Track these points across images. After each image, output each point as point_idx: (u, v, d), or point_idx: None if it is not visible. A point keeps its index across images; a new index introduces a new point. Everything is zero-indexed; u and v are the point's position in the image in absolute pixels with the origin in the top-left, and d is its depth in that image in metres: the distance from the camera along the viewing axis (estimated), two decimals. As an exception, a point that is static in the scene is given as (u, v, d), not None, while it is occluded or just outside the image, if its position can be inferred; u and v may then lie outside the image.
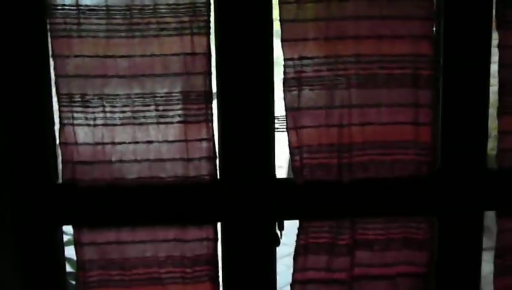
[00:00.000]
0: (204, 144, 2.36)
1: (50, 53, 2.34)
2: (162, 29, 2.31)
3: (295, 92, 2.34)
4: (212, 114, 2.36)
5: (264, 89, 2.34)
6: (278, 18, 2.34)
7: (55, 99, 2.38)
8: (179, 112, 2.35)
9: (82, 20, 2.29)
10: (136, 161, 2.36)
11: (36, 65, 2.31)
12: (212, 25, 2.33)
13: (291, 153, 2.36)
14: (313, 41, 2.34)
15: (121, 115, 2.34)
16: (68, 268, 2.78)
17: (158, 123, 2.35)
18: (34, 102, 2.32)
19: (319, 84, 2.34)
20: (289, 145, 2.35)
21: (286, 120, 2.35)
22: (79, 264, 2.47)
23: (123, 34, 2.29)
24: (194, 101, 2.34)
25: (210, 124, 2.36)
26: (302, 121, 2.35)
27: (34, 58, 2.31)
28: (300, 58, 2.33)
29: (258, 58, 2.31)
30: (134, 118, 2.34)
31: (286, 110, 2.35)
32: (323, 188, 2.36)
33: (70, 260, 2.64)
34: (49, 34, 2.32)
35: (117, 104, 2.33)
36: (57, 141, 2.38)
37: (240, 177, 2.34)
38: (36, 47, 2.31)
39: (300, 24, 2.32)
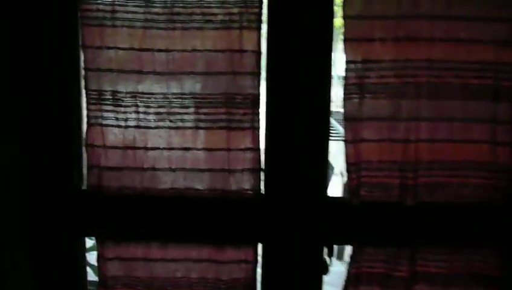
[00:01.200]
0: (249, 154, 2.06)
1: (80, 43, 2.05)
2: (207, 22, 2.01)
3: (356, 100, 2.02)
4: (259, 121, 2.06)
5: (320, 95, 2.04)
6: (341, 14, 2.01)
7: (83, 95, 2.09)
8: (222, 117, 2.06)
9: (117, 8, 2.02)
10: (170, 169, 2.08)
11: (64, 56, 2.06)
12: (264, 18, 2.05)
13: (347, 169, 2.05)
14: (380, 42, 2.02)
15: (156, 117, 2.07)
16: (92, 276, 2.53)
17: (197, 128, 2.06)
18: (60, 97, 2.08)
19: (384, 92, 2.03)
20: (346, 160, 2.03)
21: (344, 131, 2.03)
22: (101, 280, 2.21)
23: (162, 25, 2.01)
24: (240, 105, 2.04)
25: (256, 131, 2.06)
26: (362, 133, 2.04)
27: (63, 49, 2.06)
28: (364, 61, 2.02)
29: (315, 59, 2.01)
30: (171, 120, 2.06)
31: (345, 120, 2.04)
32: (382, 210, 2.07)
33: (94, 267, 2.36)
34: (80, 22, 2.04)
35: (152, 104, 2.05)
36: (83, 143, 2.09)
37: (287, 193, 2.07)
38: (65, 36, 2.06)
39: (366, 22, 2.01)
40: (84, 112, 2.11)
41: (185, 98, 2.07)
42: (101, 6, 2.03)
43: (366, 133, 2.08)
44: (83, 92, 2.11)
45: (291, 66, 2.04)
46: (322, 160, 2.10)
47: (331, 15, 2.03)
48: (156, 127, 2.09)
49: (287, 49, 2.04)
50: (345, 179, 2.08)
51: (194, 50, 2.04)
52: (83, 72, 2.09)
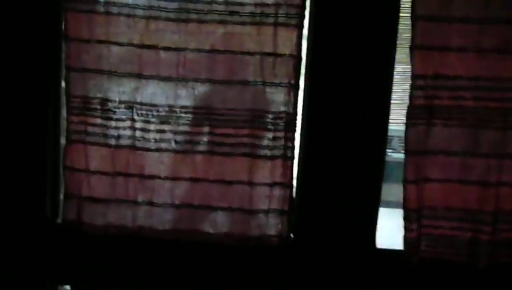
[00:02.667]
0: (278, 191, 1.57)
1: (62, 34, 1.54)
2: (232, 14, 1.51)
3: (422, 127, 1.51)
4: (293, 148, 1.54)
5: (376, 118, 1.53)
6: (409, 13, 1.51)
7: (64, 102, 1.58)
8: (244, 140, 1.59)
9: (113, -11, 1.51)
10: (173, 205, 1.59)
11: (40, 50, 1.57)
12: (306, 14, 1.57)
13: (405, 217, 1.54)
14: (457, 52, 1.50)
15: (158, 136, 1.58)
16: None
17: (211, 153, 1.57)
18: (32, 102, 1.58)
19: (458, 118, 1.53)
20: (404, 204, 1.53)
21: (405, 167, 1.52)
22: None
23: (172, 15, 1.51)
24: (269, 126, 1.56)
25: (289, 162, 1.56)
26: (427, 170, 1.54)
27: (37, 40, 1.55)
28: (436, 76, 1.50)
29: (371, 70, 1.53)
30: (177, 142, 1.56)
31: (406, 152, 1.53)
32: (446, 272, 1.62)
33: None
34: (62, 5, 1.53)
35: (153, 119, 1.57)
36: (61, 164, 1.58)
37: (324, 242, 1.62)
38: (42, 23, 1.54)
39: (442, 25, 1.49)
40: (64, 124, 1.59)
41: (198, 114, 1.57)
42: (91, -14, 1.52)
43: (432, 170, 1.58)
44: (63, 97, 1.58)
45: (339, 78, 1.55)
46: (373, 202, 1.60)
47: (396, 14, 1.52)
48: (157, 150, 1.59)
49: (334, 56, 1.54)
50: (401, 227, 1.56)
51: (212, 50, 1.54)
52: (64, 71, 1.56)
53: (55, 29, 1.58)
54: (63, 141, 1.64)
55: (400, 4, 1.55)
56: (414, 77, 1.54)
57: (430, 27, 1.54)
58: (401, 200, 1.59)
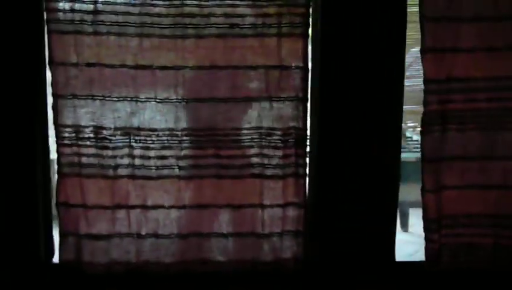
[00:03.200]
0: (291, 212, 1.48)
1: (46, 59, 1.40)
2: (232, 26, 1.40)
3: (437, 134, 1.44)
4: (305, 165, 1.44)
5: (389, 128, 1.44)
6: (418, 14, 1.44)
7: (52, 133, 1.44)
8: (253, 160, 1.48)
9: (100, 7, 1.37)
10: (179, 235, 1.46)
11: (22, 77, 1.39)
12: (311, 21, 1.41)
13: (426, 227, 1.48)
14: (469, 53, 1.43)
15: (159, 163, 1.46)
16: None
17: (218, 177, 1.45)
18: (16, 134, 1.41)
19: (473, 122, 1.45)
20: (424, 214, 1.46)
21: (423, 177, 1.45)
22: None
23: (167, 31, 1.39)
24: (278, 143, 1.47)
25: (301, 180, 1.46)
26: (445, 178, 1.46)
27: (19, 66, 1.38)
28: (449, 79, 1.43)
29: (383, 76, 1.45)
30: (180, 167, 1.43)
31: (423, 161, 1.46)
32: (471, 280, 1.56)
33: None
34: (46, 28, 1.39)
35: (153, 145, 1.44)
36: (53, 201, 1.44)
37: (341, 260, 1.54)
38: (24, 48, 1.38)
39: (452, 25, 1.42)
40: (54, 157, 1.44)
41: (201, 136, 1.46)
42: (76, 5, 1.38)
43: (450, 177, 1.51)
44: (52, 128, 1.44)
45: (350, 87, 1.46)
46: (390, 216, 1.51)
47: (403, 15, 1.44)
48: (159, 177, 1.47)
49: (344, 63, 1.44)
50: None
51: (213, 67, 1.43)
52: (50, 99, 1.43)
53: (39, 54, 1.42)
54: (54, 176, 1.49)
55: (406, 5, 1.46)
56: (427, 81, 1.47)
57: (439, 28, 1.46)
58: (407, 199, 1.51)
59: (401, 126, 1.51)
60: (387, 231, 1.55)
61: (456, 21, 1.47)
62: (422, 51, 1.47)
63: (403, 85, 1.49)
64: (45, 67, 1.45)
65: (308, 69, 1.45)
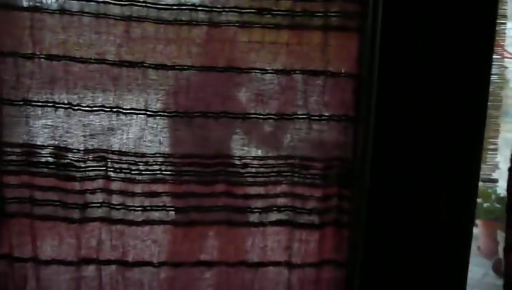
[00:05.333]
0: (329, 273, 1.06)
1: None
2: (260, 12, 0.97)
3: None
4: (351, 210, 1.03)
5: (465, 161, 1.03)
6: None
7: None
8: (280, 202, 1.05)
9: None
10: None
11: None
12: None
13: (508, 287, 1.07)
14: None
15: (148, 202, 1.06)
16: None
17: (229, 224, 1.03)
18: None
19: None
20: (506, 270, 1.06)
21: (507, 230, 1.04)
22: None
23: (166, 14, 0.97)
24: (316, 180, 1.05)
25: (344, 231, 1.04)
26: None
27: None
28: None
29: (463, 90, 1.01)
30: (178, 209, 0.99)
31: (510, 210, 1.04)
32: None
33: None
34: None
35: (140, 176, 1.01)
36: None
37: None
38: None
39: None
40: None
41: (208, 165, 1.03)
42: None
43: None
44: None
45: (420, 108, 1.04)
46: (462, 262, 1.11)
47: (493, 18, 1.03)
48: (147, 222, 1.03)
49: (412, 73, 1.01)
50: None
51: (228, 68, 0.99)
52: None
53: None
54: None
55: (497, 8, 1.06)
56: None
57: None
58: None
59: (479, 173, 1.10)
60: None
61: None
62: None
63: (486, 108, 1.08)
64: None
65: (363, 78, 1.03)
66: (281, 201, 1.07)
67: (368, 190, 1.09)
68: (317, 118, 1.05)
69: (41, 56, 0.98)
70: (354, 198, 1.09)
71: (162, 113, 1.02)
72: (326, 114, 1.05)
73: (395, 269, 1.11)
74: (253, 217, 1.07)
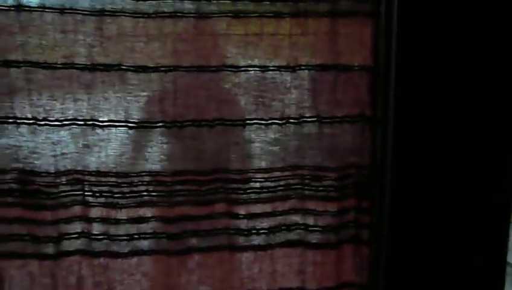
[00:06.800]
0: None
1: None
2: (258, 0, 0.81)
3: None
4: (371, 225, 0.87)
5: (496, 167, 0.89)
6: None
7: None
8: (290, 220, 0.89)
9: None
10: None
11: None
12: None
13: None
14: None
15: (134, 229, 0.90)
16: None
17: (231, 249, 0.88)
18: None
19: None
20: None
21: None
22: None
23: (146, 5, 0.77)
24: (331, 192, 0.88)
25: (364, 250, 0.90)
26: None
27: None
28: None
29: (498, 83, 0.86)
30: (170, 236, 0.84)
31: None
32: None
33: None
34: None
35: (123, 200, 0.84)
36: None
37: None
38: None
39: None
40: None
41: (204, 182, 0.86)
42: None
43: None
44: None
45: (444, 104, 0.88)
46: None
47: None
48: (134, 253, 0.91)
49: (434, 66, 0.87)
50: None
51: (222, 67, 0.83)
52: None
53: None
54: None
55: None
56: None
57: None
58: None
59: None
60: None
61: None
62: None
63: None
64: None
65: (380, 71, 0.88)
66: (290, 219, 0.92)
67: (389, 200, 0.94)
68: (328, 120, 0.90)
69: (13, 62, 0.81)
70: (373, 210, 0.94)
71: (146, 124, 0.86)
72: (338, 115, 0.90)
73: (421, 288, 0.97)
74: (259, 240, 0.92)
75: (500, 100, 0.92)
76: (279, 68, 0.88)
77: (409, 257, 0.94)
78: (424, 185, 0.92)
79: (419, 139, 0.92)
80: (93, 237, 0.88)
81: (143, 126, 0.86)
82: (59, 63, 0.82)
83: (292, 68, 0.88)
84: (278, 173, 0.90)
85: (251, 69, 0.87)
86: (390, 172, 0.93)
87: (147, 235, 0.89)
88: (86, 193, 0.86)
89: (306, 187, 0.91)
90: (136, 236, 0.88)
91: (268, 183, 0.90)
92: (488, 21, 0.88)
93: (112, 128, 0.85)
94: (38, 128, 0.84)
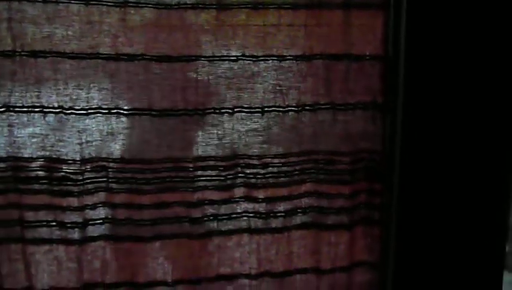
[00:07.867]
0: (361, 276, 1.02)
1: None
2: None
3: None
4: (382, 207, 0.93)
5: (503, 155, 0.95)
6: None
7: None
8: (305, 203, 0.96)
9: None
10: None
11: None
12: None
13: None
14: None
15: (158, 213, 0.92)
16: None
17: (250, 231, 0.95)
18: None
19: None
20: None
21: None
22: None
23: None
24: (344, 176, 0.93)
25: (376, 230, 0.98)
26: None
27: None
28: None
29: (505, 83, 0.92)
30: (192, 220, 0.89)
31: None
32: None
33: None
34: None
35: (147, 186, 0.90)
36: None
37: None
38: None
39: None
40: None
41: (223, 167, 0.93)
42: None
43: None
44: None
45: (453, 93, 0.93)
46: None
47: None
48: (158, 237, 0.95)
49: (443, 56, 0.92)
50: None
51: (237, 58, 0.86)
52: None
53: None
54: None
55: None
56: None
57: None
58: None
59: None
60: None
61: None
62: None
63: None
64: None
65: (391, 60, 0.92)
66: (305, 202, 0.96)
67: (399, 183, 0.99)
68: (342, 107, 0.94)
69: (24, 53, 0.83)
70: (384, 193, 0.99)
71: (169, 113, 0.89)
72: (351, 102, 0.95)
73: (430, 267, 1.02)
74: (277, 222, 0.96)
75: (508, 87, 0.97)
76: (295, 57, 0.91)
77: (417, 236, 1.00)
78: (431, 169, 0.97)
79: (427, 125, 0.97)
80: (117, 222, 0.90)
81: (166, 114, 0.89)
82: (84, 53, 0.84)
83: (308, 57, 0.92)
84: (294, 158, 0.94)
85: (269, 58, 0.90)
86: (399, 157, 0.98)
87: (170, 220, 0.91)
88: (110, 180, 0.89)
89: (320, 171, 0.95)
90: (159, 221, 0.91)
91: (285, 168, 0.94)
92: (498, 12, 0.93)
93: (135, 116, 0.88)
94: (65, 117, 0.86)
